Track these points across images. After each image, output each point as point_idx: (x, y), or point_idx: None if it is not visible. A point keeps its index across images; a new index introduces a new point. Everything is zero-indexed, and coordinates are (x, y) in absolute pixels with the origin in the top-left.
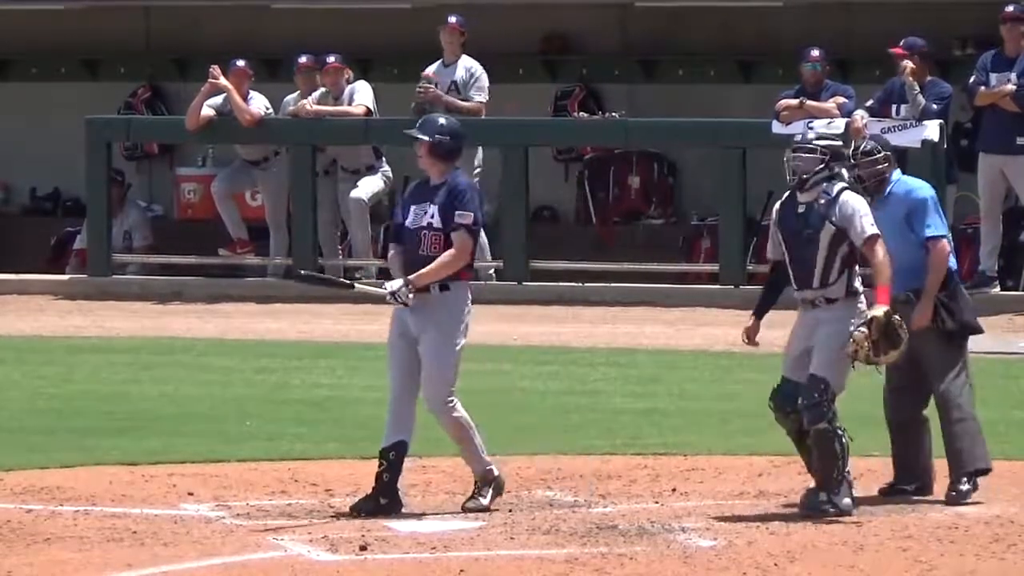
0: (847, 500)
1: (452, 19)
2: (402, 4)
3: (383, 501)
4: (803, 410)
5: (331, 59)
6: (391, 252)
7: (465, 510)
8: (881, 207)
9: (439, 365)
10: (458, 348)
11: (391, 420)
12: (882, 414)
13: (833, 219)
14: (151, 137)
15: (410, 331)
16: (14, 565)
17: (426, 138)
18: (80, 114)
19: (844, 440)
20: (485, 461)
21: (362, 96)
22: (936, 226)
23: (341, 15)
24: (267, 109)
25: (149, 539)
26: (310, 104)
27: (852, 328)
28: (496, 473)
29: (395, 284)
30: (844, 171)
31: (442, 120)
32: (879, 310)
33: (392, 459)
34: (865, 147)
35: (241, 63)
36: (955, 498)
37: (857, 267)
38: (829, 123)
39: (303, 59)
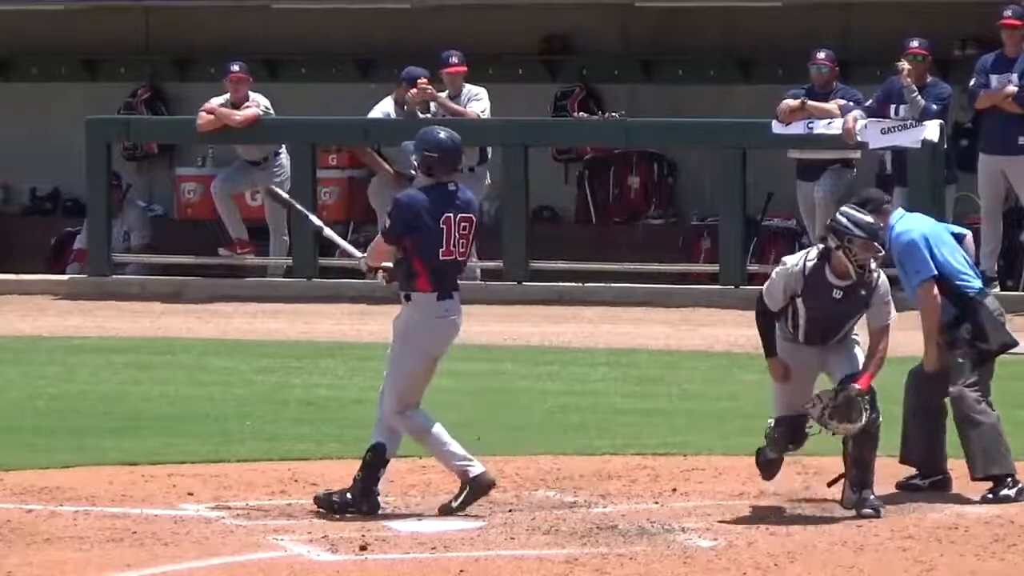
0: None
1: (454, 59)
2: (402, 4)
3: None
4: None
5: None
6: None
7: (440, 512)
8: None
9: (394, 374)
10: (414, 359)
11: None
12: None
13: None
14: (151, 137)
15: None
16: (14, 565)
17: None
18: (80, 114)
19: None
20: (458, 462)
21: (478, 104)
22: (922, 270)
23: (341, 15)
24: (267, 109)
25: (149, 539)
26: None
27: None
28: (472, 474)
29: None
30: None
31: (441, 133)
32: (852, 389)
33: (369, 460)
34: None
35: (236, 67)
36: (1001, 499)
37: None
38: (829, 123)
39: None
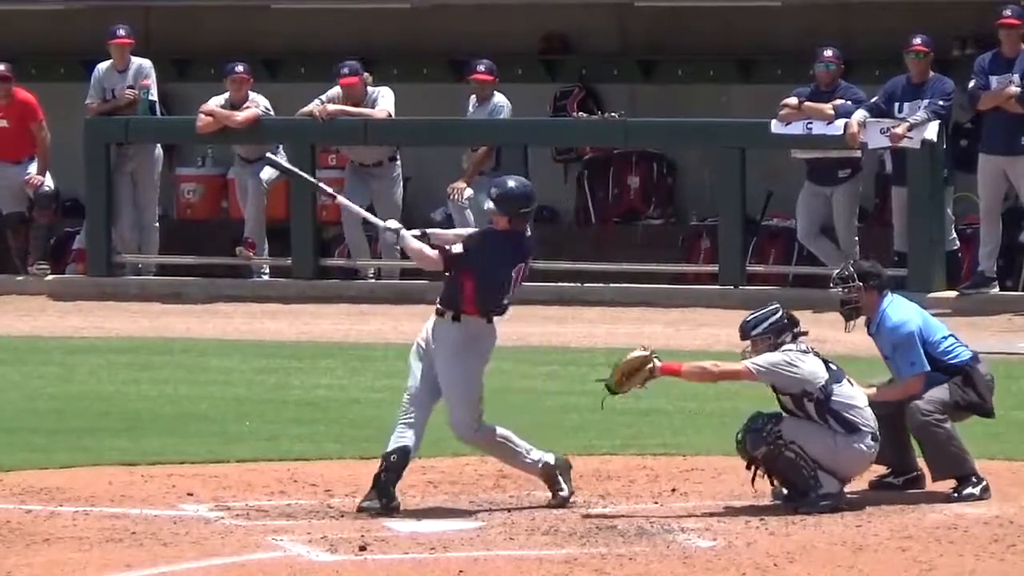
0: (833, 486)
1: (481, 67)
2: (402, 4)
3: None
4: (745, 435)
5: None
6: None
7: (553, 506)
8: (876, 339)
9: (458, 391)
10: (475, 371)
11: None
12: None
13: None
14: (150, 137)
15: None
16: (14, 565)
17: (505, 215)
18: (79, 114)
19: (793, 449)
20: (535, 460)
21: (385, 102)
22: (917, 364)
23: (341, 15)
24: (267, 110)
25: (148, 539)
26: (324, 107)
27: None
28: (552, 461)
29: (395, 223)
30: (788, 336)
31: (512, 183)
32: (655, 360)
33: (393, 462)
34: (842, 273)
35: (240, 68)
36: (966, 498)
37: (841, 408)
38: (827, 125)
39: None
